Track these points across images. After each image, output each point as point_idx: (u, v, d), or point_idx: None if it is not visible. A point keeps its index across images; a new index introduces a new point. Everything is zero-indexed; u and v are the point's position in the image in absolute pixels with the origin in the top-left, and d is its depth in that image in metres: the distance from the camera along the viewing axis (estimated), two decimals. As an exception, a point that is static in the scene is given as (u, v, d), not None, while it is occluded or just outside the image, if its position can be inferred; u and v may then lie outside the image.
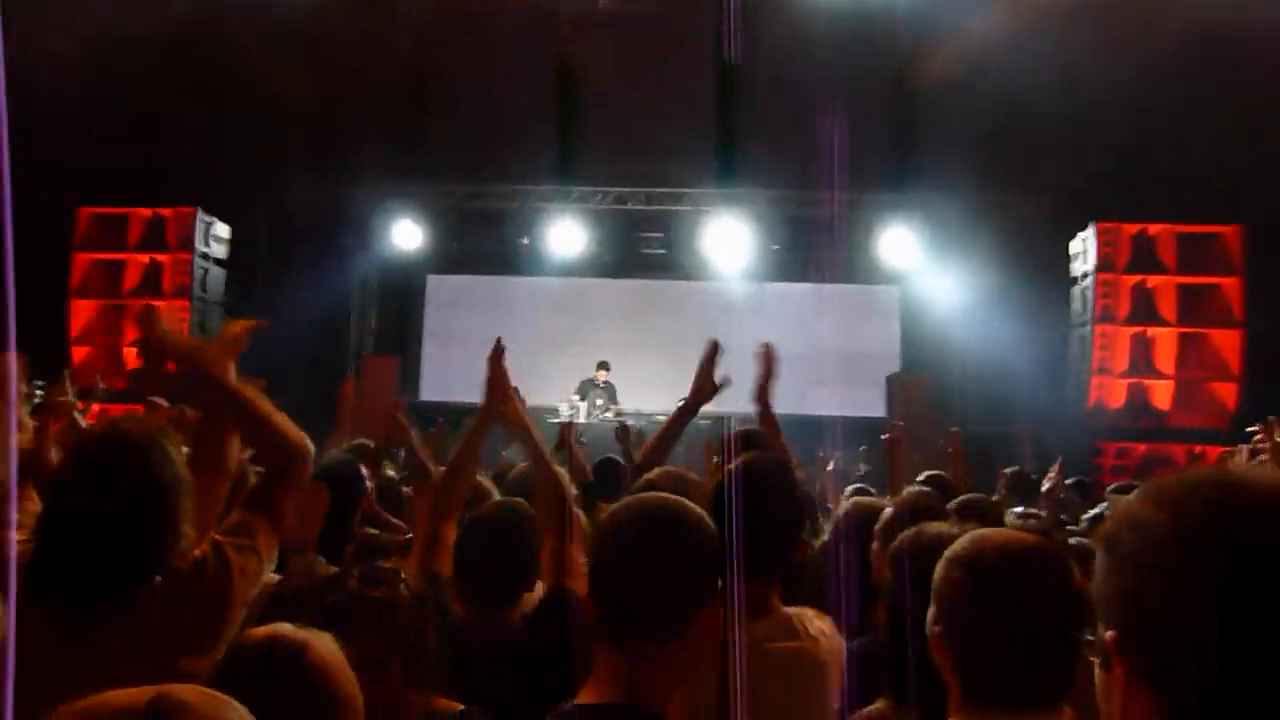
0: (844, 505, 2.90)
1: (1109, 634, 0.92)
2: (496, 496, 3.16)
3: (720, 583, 1.58)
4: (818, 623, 2.11)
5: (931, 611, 1.52)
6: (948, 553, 1.53)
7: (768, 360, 3.33)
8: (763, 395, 3.28)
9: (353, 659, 1.42)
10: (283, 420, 2.11)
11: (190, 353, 2.22)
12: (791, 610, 2.11)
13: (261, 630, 1.34)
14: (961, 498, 3.08)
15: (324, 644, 1.33)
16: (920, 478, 3.96)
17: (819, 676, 2.03)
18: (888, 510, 2.65)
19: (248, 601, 1.93)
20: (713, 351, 3.24)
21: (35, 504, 2.01)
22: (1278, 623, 0.82)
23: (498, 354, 2.86)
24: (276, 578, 2.08)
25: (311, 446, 2.16)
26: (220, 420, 2.22)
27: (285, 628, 1.33)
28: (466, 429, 2.89)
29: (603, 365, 11.08)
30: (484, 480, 3.34)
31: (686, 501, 1.67)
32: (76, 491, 1.83)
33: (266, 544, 1.99)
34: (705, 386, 3.20)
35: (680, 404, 3.25)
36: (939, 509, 2.65)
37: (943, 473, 4.29)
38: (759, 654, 1.91)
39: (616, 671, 1.52)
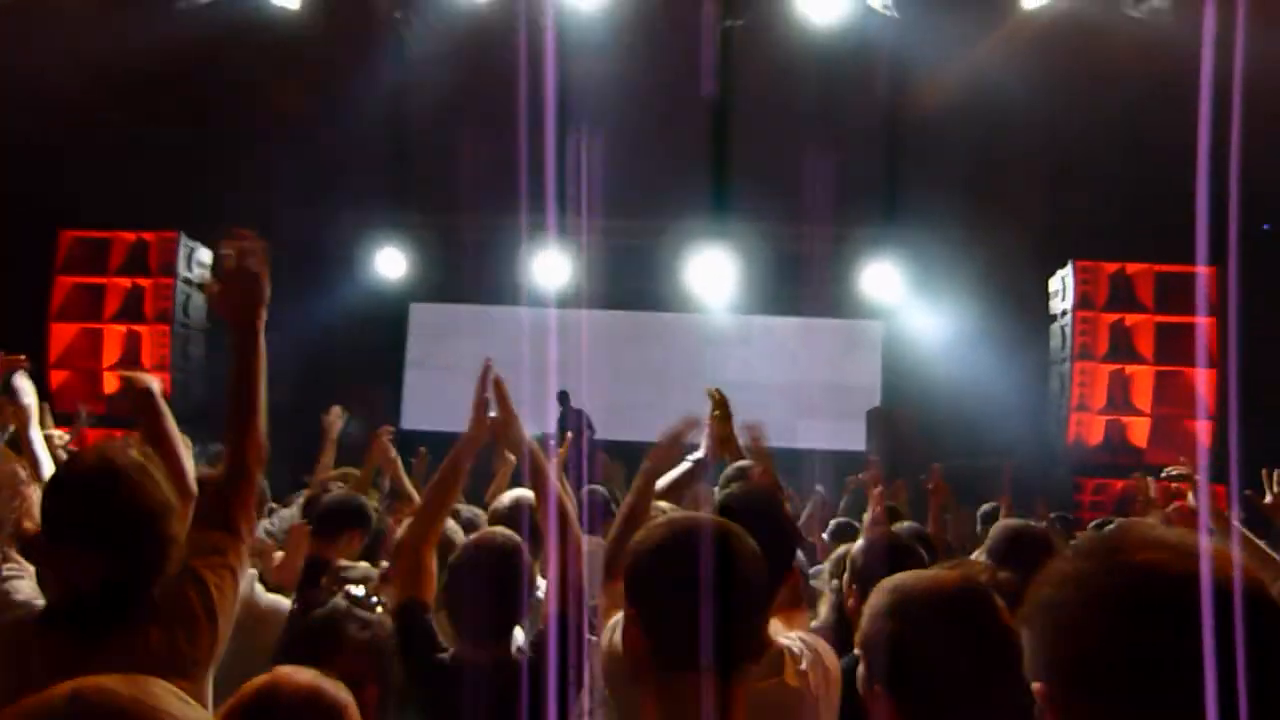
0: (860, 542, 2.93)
1: (1037, 686, 1.00)
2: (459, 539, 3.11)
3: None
4: (809, 651, 2.10)
5: (861, 672, 1.51)
6: (872, 604, 1.54)
7: (720, 404, 3.31)
8: (728, 440, 3.28)
9: (333, 674, 1.43)
10: (262, 425, 2.11)
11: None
12: (784, 639, 2.10)
13: (300, 680, 1.34)
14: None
15: (353, 707, 1.35)
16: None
17: (799, 712, 2.02)
18: (857, 547, 2.70)
19: (231, 618, 1.93)
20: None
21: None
22: (1177, 670, 0.90)
23: (487, 375, 2.82)
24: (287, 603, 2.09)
25: (264, 460, 2.13)
26: (168, 442, 2.24)
27: (318, 683, 1.34)
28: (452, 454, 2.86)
29: (563, 393, 11.11)
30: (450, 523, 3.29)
31: (735, 526, 1.64)
32: (70, 517, 1.83)
33: (236, 560, 1.99)
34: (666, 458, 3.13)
35: (694, 460, 3.16)
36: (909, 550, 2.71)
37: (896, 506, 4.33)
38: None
39: (675, 710, 1.47)
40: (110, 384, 11.08)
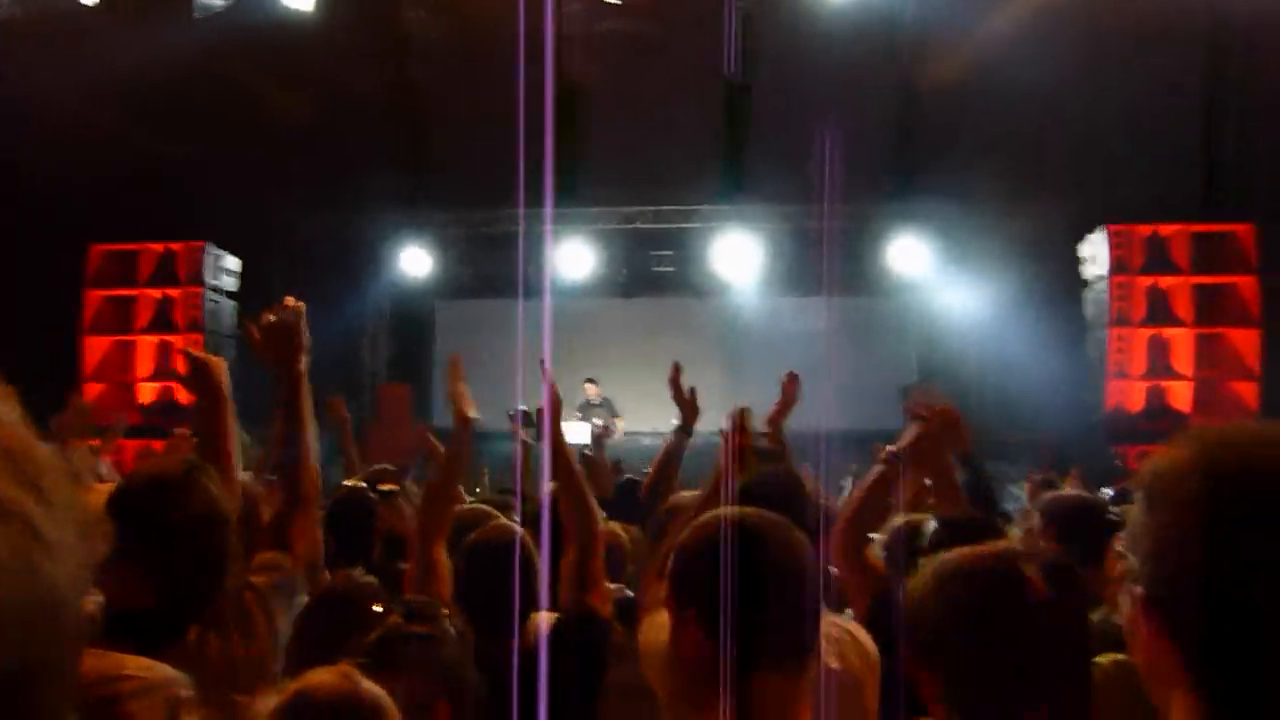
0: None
1: (1137, 590, 0.91)
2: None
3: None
4: (849, 637, 2.06)
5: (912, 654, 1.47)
6: (912, 585, 1.48)
7: (791, 388, 3.38)
8: (776, 420, 3.31)
9: (398, 701, 1.40)
10: (314, 458, 2.19)
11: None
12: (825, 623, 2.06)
13: (329, 682, 1.32)
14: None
15: (387, 702, 1.33)
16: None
17: (842, 695, 1.98)
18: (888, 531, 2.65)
19: (285, 637, 1.97)
20: (675, 375, 3.29)
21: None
22: None
23: (457, 370, 2.89)
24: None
25: (320, 484, 2.22)
26: (220, 436, 2.25)
27: (355, 683, 1.32)
28: (451, 448, 2.88)
29: (590, 381, 11.05)
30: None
31: (781, 517, 1.60)
32: (126, 531, 1.83)
33: (296, 580, 2.07)
34: (686, 409, 3.23)
35: (675, 429, 3.25)
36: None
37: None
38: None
39: (751, 708, 1.42)
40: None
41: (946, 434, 3.00)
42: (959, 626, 1.39)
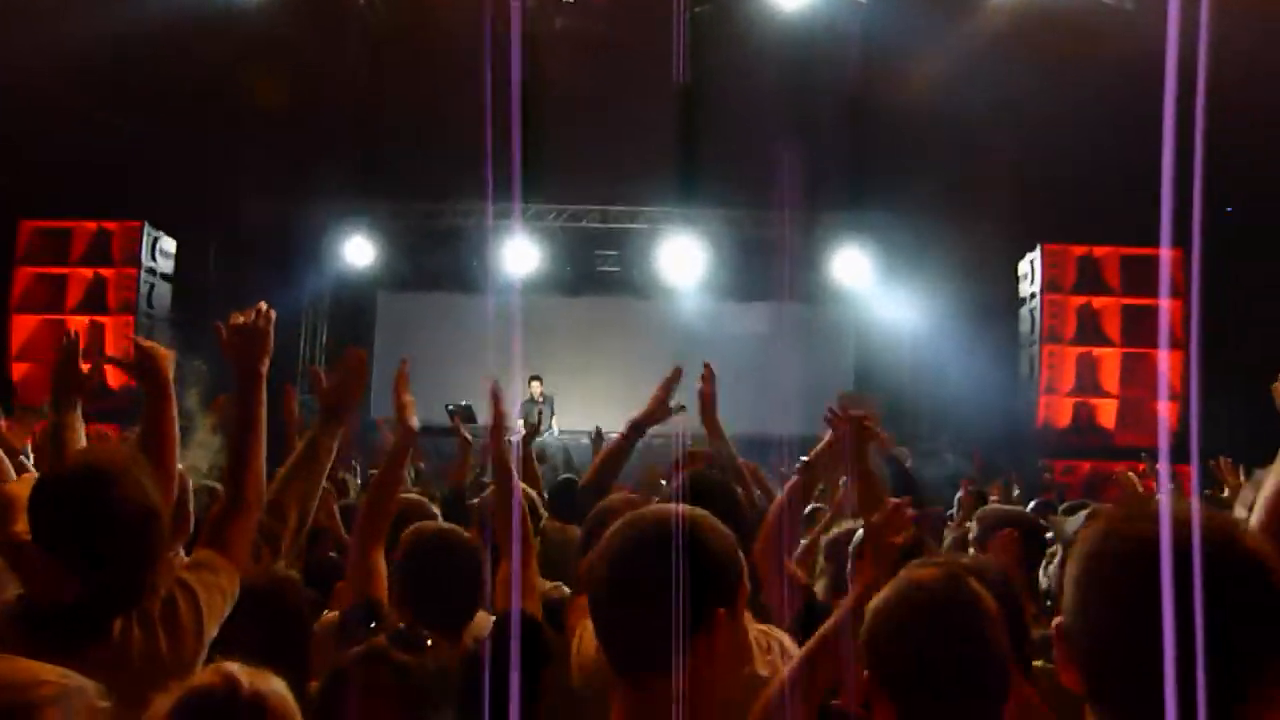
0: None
1: (1056, 620, 1.10)
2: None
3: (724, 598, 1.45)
4: (779, 645, 2.10)
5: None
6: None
7: (707, 386, 3.46)
8: (708, 411, 3.37)
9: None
10: (261, 463, 2.18)
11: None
12: (751, 630, 2.10)
13: (209, 681, 1.31)
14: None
15: (278, 691, 1.32)
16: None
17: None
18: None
19: (211, 637, 1.93)
20: (674, 378, 3.30)
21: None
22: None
23: (402, 378, 2.94)
24: None
25: (264, 493, 2.22)
26: (161, 430, 2.22)
27: (236, 682, 1.31)
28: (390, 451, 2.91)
29: (535, 378, 11.02)
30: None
31: (698, 514, 1.52)
32: (54, 523, 1.79)
33: (229, 580, 2.01)
34: (658, 410, 3.24)
35: (630, 422, 3.26)
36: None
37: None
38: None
39: (628, 708, 1.42)
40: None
41: (861, 438, 3.10)
42: (904, 645, 1.48)
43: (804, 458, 3.04)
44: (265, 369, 2.26)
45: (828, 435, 3.16)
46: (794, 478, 2.95)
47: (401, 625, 1.91)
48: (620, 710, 1.43)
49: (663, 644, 1.39)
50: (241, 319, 2.28)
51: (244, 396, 2.23)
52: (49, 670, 0.93)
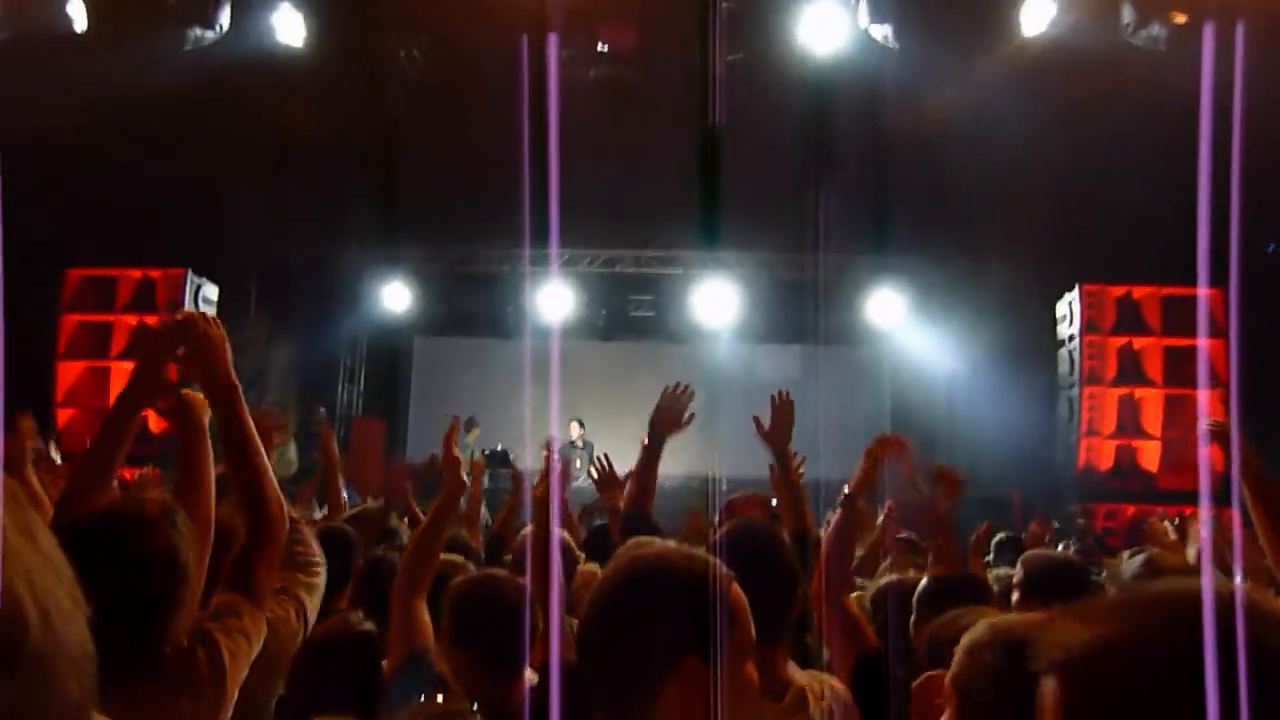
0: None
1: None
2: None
3: (701, 649, 1.42)
4: (826, 689, 2.06)
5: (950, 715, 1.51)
6: (973, 643, 1.52)
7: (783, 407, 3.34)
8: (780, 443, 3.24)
9: None
10: (272, 481, 2.09)
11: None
12: (802, 676, 2.07)
13: None
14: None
15: None
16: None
17: None
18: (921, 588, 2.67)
19: (239, 683, 1.88)
20: (678, 390, 3.31)
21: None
22: None
23: (454, 433, 2.97)
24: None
25: (289, 520, 2.11)
26: (197, 475, 2.21)
27: None
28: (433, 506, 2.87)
29: (578, 421, 11.03)
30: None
31: (681, 552, 1.53)
32: (77, 569, 1.78)
33: (253, 625, 1.95)
34: (667, 417, 3.22)
35: (650, 426, 3.24)
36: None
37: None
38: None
39: None
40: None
41: (899, 458, 3.09)
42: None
43: (845, 490, 2.98)
44: (233, 378, 2.10)
45: (859, 472, 3.12)
46: (838, 512, 2.89)
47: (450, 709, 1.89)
48: None
49: (626, 683, 1.41)
50: (181, 318, 2.13)
51: (228, 417, 2.08)
52: None
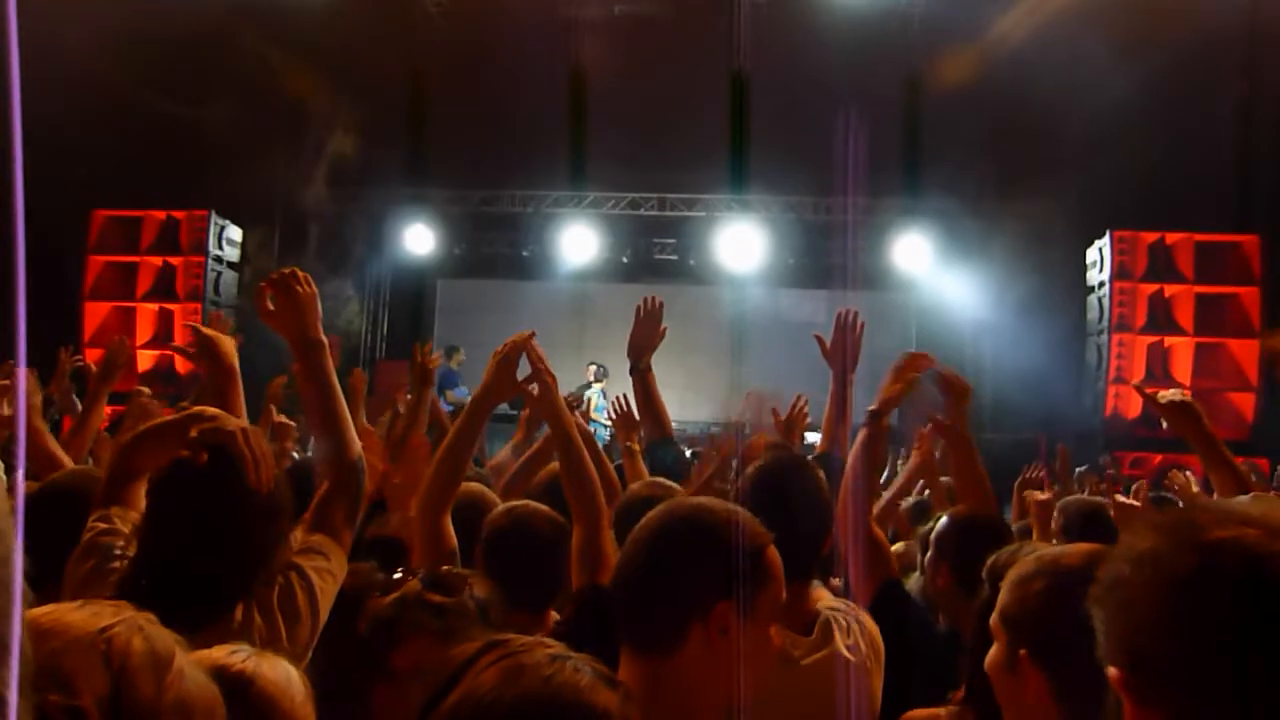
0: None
1: (1112, 672, 0.95)
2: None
3: (729, 593, 1.47)
4: (858, 625, 2.05)
5: (997, 650, 1.49)
6: (1019, 578, 1.50)
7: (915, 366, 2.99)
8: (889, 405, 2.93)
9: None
10: (352, 432, 2.12)
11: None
12: (827, 607, 2.06)
13: (208, 658, 1.29)
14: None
15: (276, 675, 1.31)
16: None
17: (851, 684, 1.98)
18: (941, 526, 2.64)
19: (324, 619, 1.93)
20: (650, 306, 3.23)
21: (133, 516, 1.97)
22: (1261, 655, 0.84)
23: (523, 344, 2.67)
24: None
25: (363, 462, 2.14)
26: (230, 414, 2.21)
27: (236, 657, 1.30)
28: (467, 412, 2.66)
29: (596, 365, 11.01)
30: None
31: (701, 500, 1.59)
32: (175, 506, 1.81)
33: (339, 565, 2.00)
34: (641, 337, 3.15)
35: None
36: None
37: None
38: (790, 671, 1.87)
39: (632, 680, 1.42)
40: (144, 362, 11.17)
41: (958, 397, 2.98)
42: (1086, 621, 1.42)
43: (871, 407, 2.83)
44: (318, 332, 2.15)
45: (888, 383, 2.95)
46: (863, 430, 2.76)
47: (437, 571, 1.89)
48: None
49: (657, 623, 1.46)
50: (276, 277, 2.18)
51: (313, 370, 2.13)
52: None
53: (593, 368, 11.14)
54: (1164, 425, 2.77)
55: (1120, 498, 3.05)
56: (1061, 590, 1.42)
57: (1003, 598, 1.52)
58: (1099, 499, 3.63)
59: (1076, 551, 1.52)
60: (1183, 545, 0.91)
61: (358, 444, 2.12)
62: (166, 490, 1.84)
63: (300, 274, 2.19)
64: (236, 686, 1.25)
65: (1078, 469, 7.16)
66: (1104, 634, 0.96)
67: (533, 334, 2.70)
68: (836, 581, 2.63)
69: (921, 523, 3.76)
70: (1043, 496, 3.39)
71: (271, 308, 2.16)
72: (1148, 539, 0.94)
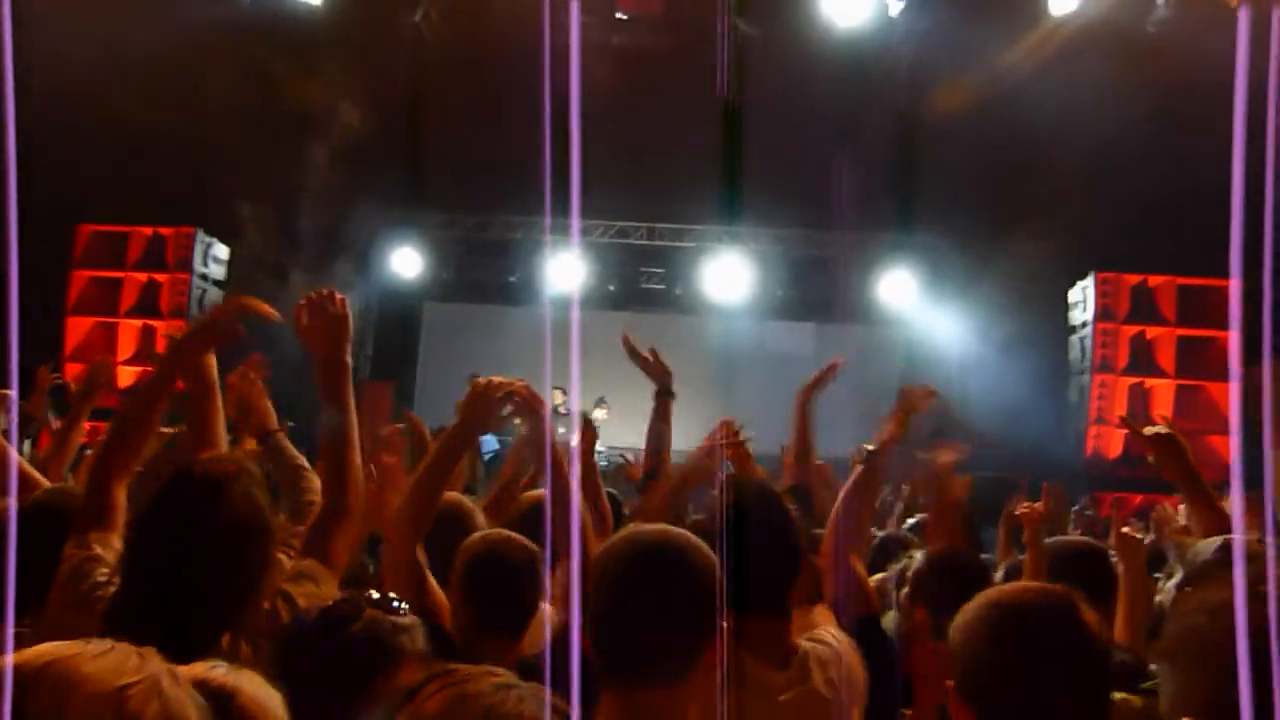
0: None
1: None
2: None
3: (723, 621, 1.50)
4: (838, 658, 2.03)
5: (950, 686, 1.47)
6: (964, 620, 1.48)
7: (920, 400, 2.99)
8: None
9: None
10: (358, 458, 2.11)
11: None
12: (807, 641, 2.04)
13: (190, 673, 1.27)
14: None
15: (256, 690, 1.29)
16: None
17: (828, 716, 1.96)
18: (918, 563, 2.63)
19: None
20: (627, 344, 3.22)
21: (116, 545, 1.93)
22: None
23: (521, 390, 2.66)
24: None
25: (363, 499, 2.12)
26: (210, 429, 2.20)
27: (216, 672, 1.28)
28: (443, 438, 2.57)
29: (560, 390, 10.95)
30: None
31: (684, 533, 1.61)
32: (161, 533, 1.77)
33: (330, 590, 1.96)
34: (657, 372, 3.18)
35: (655, 396, 3.07)
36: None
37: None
38: (767, 705, 1.85)
39: (628, 713, 1.42)
40: (125, 378, 11.08)
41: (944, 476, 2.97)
42: (1010, 665, 1.39)
43: (867, 446, 2.77)
44: (348, 355, 2.18)
45: (888, 426, 2.92)
46: (858, 469, 2.71)
47: (383, 597, 1.86)
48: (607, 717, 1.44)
49: (656, 663, 1.46)
50: (314, 297, 2.21)
51: (332, 391, 2.15)
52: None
53: (560, 394, 11.05)
54: (1148, 459, 2.77)
55: (1126, 529, 3.04)
56: (993, 629, 1.42)
57: (951, 638, 1.51)
58: (1088, 539, 3.61)
59: (1015, 590, 1.51)
60: (1261, 595, 0.91)
61: (360, 471, 2.10)
62: (151, 521, 1.80)
63: (337, 296, 2.24)
64: (219, 699, 1.23)
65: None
66: (1175, 684, 0.95)
67: (525, 385, 2.67)
68: None
69: (894, 558, 3.75)
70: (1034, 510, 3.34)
71: (305, 323, 2.20)
72: (1222, 591, 0.94)
